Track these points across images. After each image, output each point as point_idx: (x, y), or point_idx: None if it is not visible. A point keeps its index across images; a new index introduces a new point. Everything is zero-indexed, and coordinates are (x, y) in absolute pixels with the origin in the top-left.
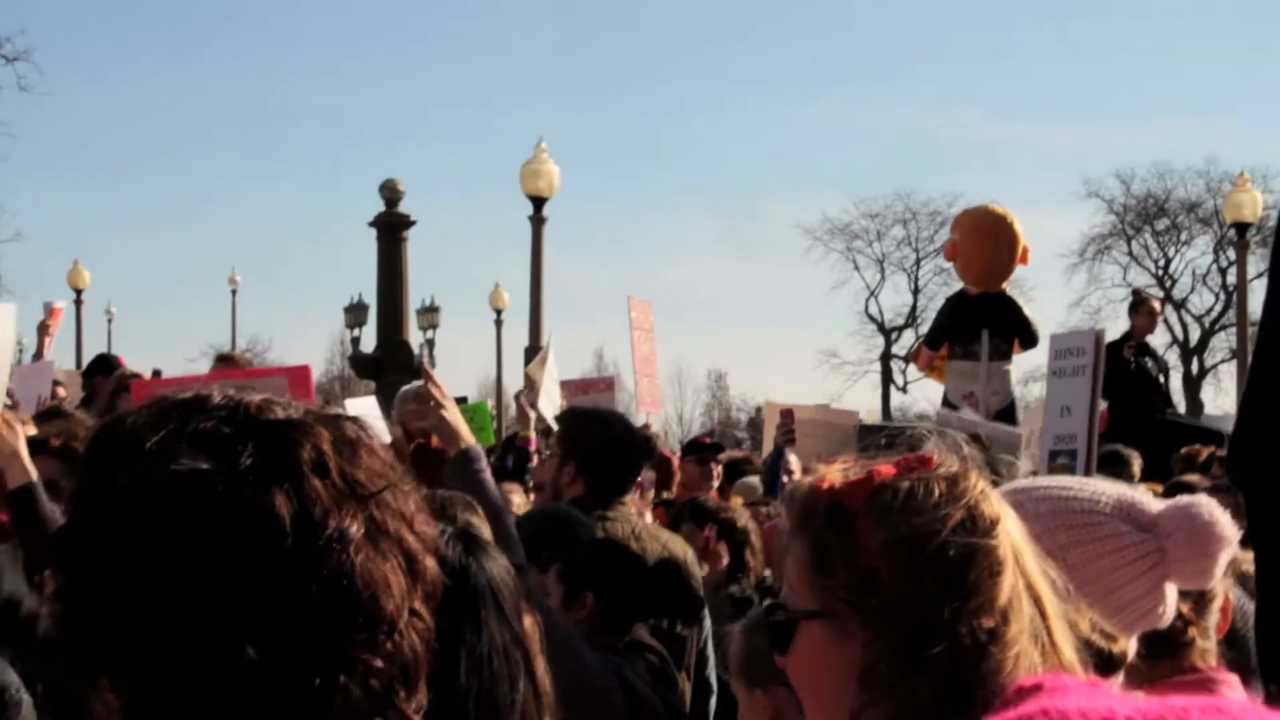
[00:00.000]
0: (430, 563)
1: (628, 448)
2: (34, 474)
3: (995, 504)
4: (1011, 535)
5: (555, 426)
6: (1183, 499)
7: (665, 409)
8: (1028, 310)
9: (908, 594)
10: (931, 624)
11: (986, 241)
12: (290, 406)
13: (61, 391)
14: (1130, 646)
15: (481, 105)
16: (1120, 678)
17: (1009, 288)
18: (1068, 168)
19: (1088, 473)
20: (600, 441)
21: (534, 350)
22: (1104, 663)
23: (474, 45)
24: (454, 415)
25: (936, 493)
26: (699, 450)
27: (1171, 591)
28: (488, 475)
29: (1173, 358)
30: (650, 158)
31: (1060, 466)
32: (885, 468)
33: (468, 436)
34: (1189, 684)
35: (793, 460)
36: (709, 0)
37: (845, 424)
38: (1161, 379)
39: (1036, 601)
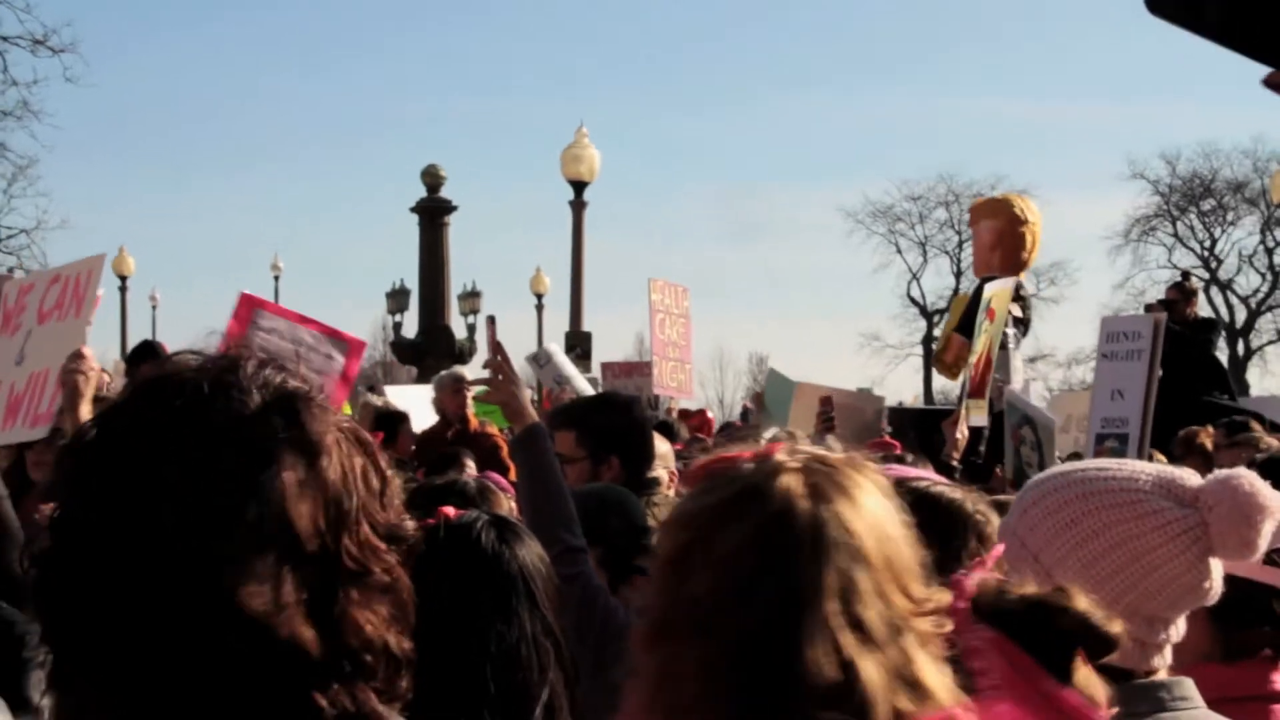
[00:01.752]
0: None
1: (631, 428)
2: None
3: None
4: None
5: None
6: (1222, 472)
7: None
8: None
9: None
10: None
11: (979, 228)
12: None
13: (107, 379)
14: (1179, 628)
15: (522, 90)
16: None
17: (1025, 276)
18: (1112, 149)
19: (1140, 457)
20: (610, 430)
21: (576, 335)
22: (1099, 644)
23: (516, 30)
24: (522, 392)
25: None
26: (727, 432)
27: (1217, 567)
28: (552, 453)
29: (1218, 339)
30: (692, 142)
31: (1108, 450)
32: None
33: (534, 414)
34: None
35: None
36: None
37: (867, 408)
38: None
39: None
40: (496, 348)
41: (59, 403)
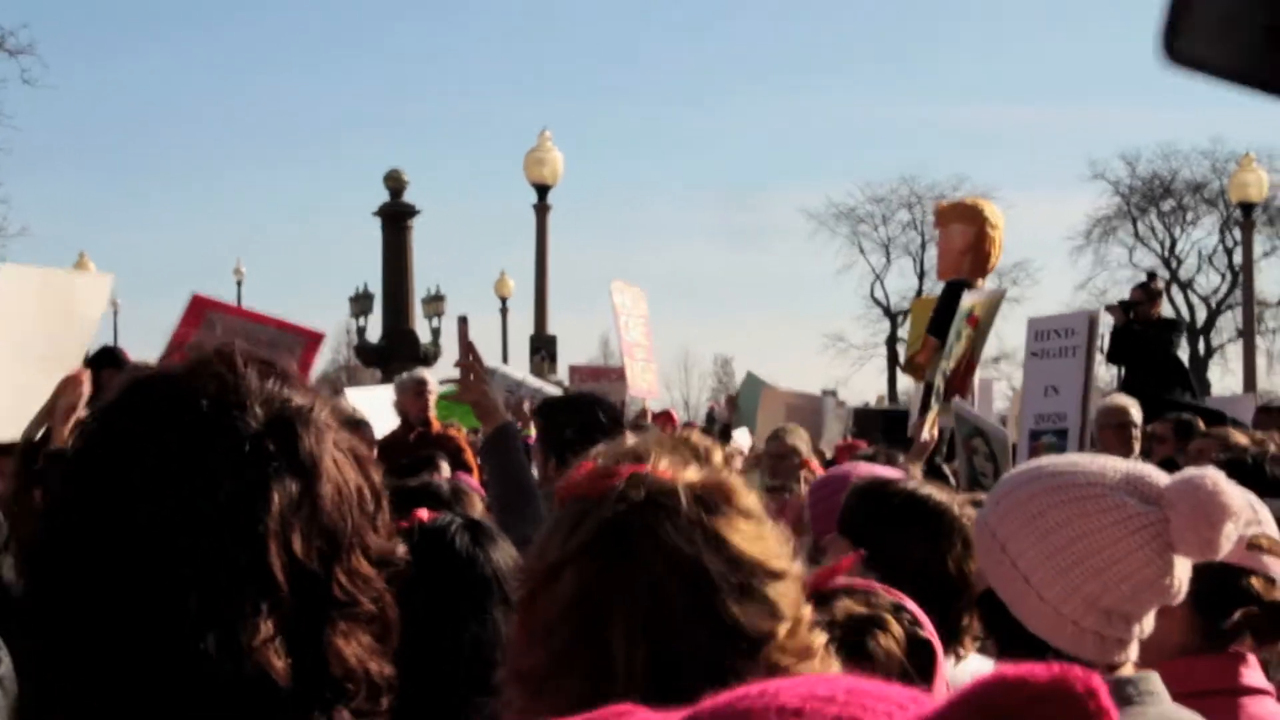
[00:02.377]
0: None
1: (598, 429)
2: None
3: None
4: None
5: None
6: (1190, 470)
7: (671, 394)
8: (965, 300)
9: None
10: None
11: (950, 232)
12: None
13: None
14: (1146, 624)
15: (485, 94)
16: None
17: (987, 280)
18: (1073, 150)
19: (1081, 450)
20: (574, 430)
21: (540, 339)
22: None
23: (478, 34)
24: (494, 392)
25: None
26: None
27: (1182, 565)
28: (521, 453)
29: (1180, 339)
30: (654, 146)
31: (1045, 445)
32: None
33: (505, 413)
34: None
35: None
36: None
37: (829, 411)
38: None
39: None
40: (468, 348)
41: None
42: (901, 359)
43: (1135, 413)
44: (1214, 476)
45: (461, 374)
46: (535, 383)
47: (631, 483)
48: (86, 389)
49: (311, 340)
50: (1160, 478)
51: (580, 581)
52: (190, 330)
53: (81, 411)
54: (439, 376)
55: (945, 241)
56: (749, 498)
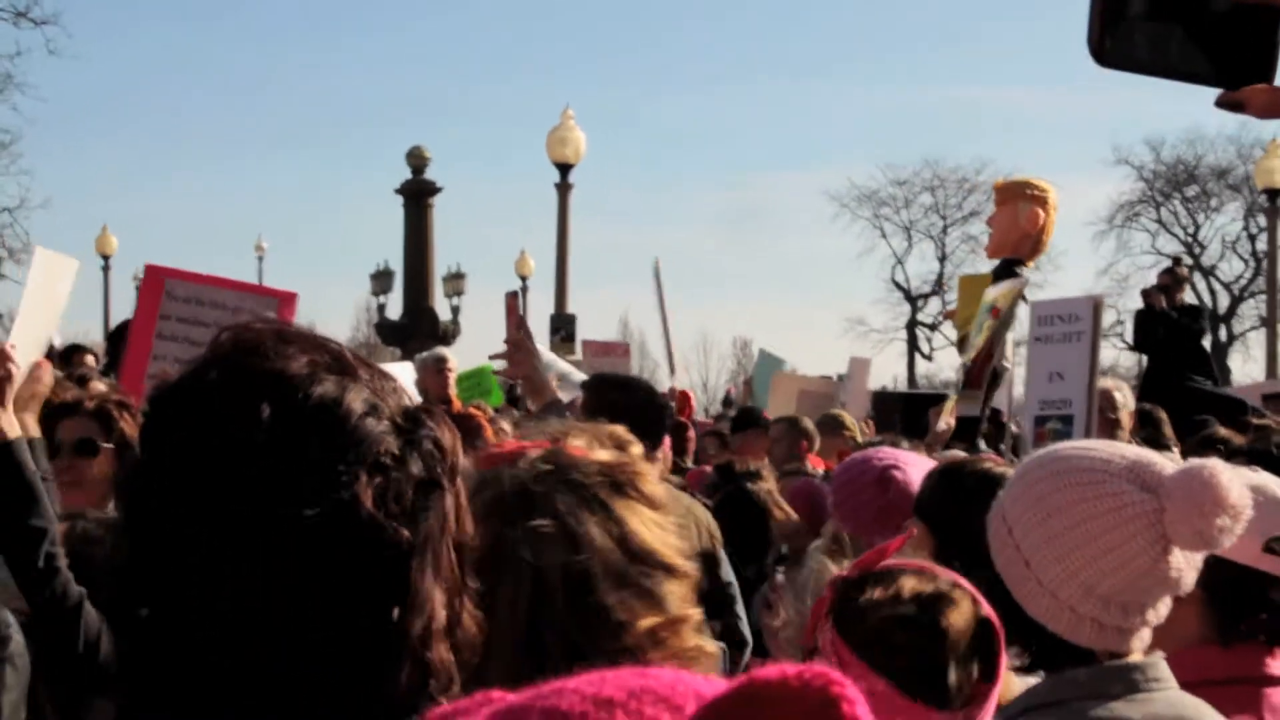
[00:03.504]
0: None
1: (651, 412)
2: (30, 430)
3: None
4: None
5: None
6: (1194, 461)
7: (690, 376)
8: (988, 294)
9: None
10: None
11: (1015, 209)
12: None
13: (90, 360)
14: (1158, 613)
15: (508, 72)
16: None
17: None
18: (1097, 134)
19: (1087, 436)
20: (624, 408)
21: (560, 318)
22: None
23: (502, 11)
24: (542, 366)
25: None
26: (755, 422)
27: (1180, 557)
28: None
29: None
30: (677, 125)
31: (1050, 432)
32: None
33: (554, 389)
34: None
35: None
36: None
37: (839, 395)
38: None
39: None
40: (519, 322)
41: None
42: (954, 335)
43: (1119, 396)
44: (1216, 468)
45: (510, 348)
46: (561, 365)
47: (544, 456)
48: (48, 379)
49: (285, 299)
50: (1166, 467)
51: (483, 542)
52: (153, 301)
53: (39, 398)
54: (456, 356)
55: (1007, 219)
56: (657, 487)
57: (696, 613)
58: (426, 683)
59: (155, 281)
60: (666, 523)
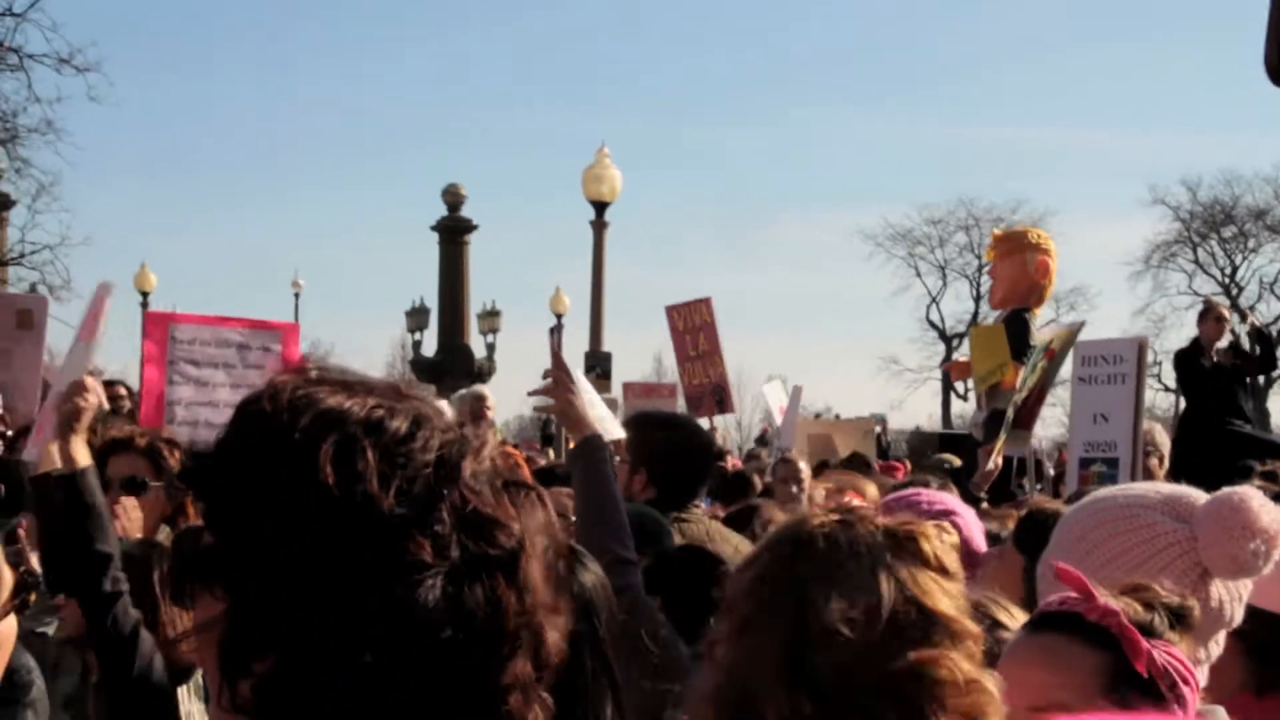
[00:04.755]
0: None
1: (696, 452)
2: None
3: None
4: None
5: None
6: (1225, 490)
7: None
8: (1044, 334)
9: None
10: None
11: (1022, 259)
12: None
13: (124, 393)
14: (1207, 652)
15: (544, 110)
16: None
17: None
18: (1133, 175)
19: (1133, 479)
20: (669, 447)
21: (595, 355)
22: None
23: (538, 49)
24: (580, 401)
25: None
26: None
27: (1220, 587)
28: (609, 465)
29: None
30: (713, 163)
31: (1095, 474)
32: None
33: (593, 424)
34: None
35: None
36: (772, 10)
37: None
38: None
39: None
40: (557, 358)
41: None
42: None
43: (1159, 438)
44: (1246, 495)
45: (551, 384)
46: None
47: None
48: (93, 399)
49: (288, 331)
50: (1201, 498)
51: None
52: (159, 349)
53: (89, 418)
54: (492, 393)
55: (1016, 269)
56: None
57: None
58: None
59: (159, 328)
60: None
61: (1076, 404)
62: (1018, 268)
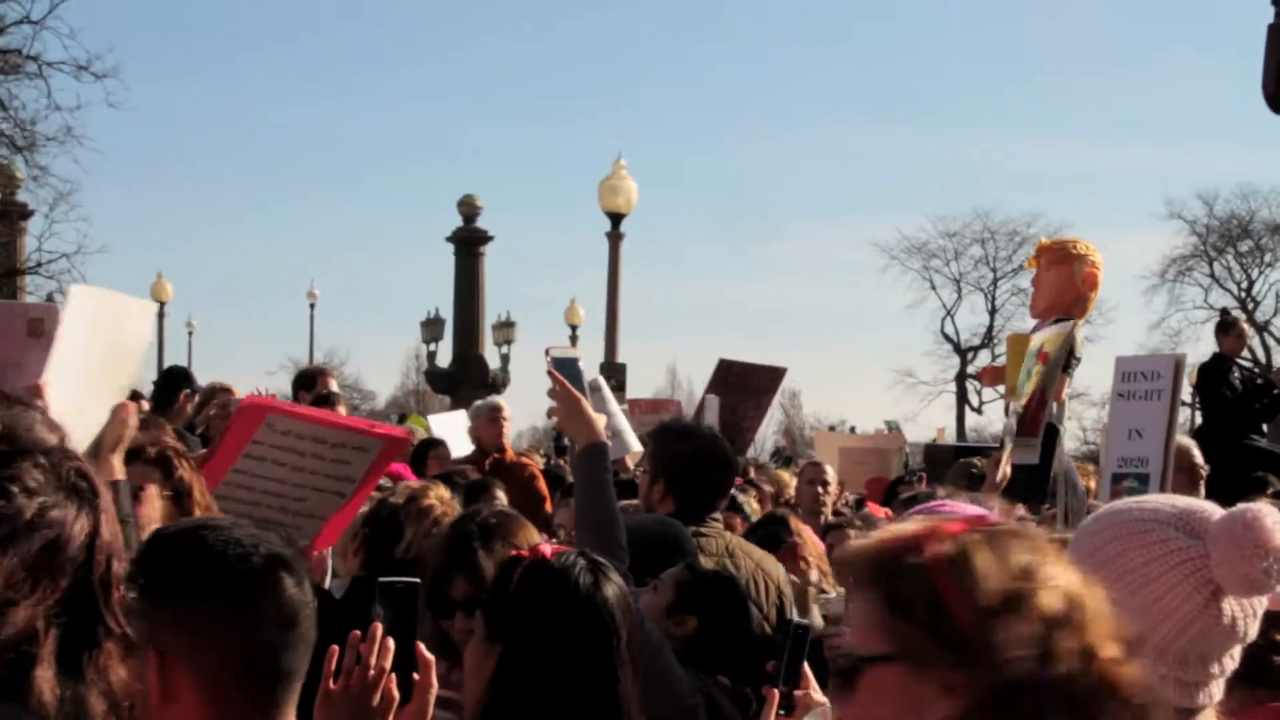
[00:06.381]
0: None
1: (716, 464)
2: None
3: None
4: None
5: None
6: (1239, 506)
7: None
8: (1035, 339)
9: (1000, 650)
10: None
11: (1070, 270)
12: None
13: (144, 405)
14: (1222, 667)
15: (559, 123)
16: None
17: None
18: (1149, 189)
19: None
20: (689, 458)
21: (610, 367)
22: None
23: (554, 63)
24: (588, 408)
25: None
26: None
27: (1233, 604)
28: (607, 473)
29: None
30: (728, 175)
31: (1126, 490)
32: (953, 525)
33: (599, 433)
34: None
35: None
36: (787, 23)
37: (889, 449)
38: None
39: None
40: (554, 376)
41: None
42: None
43: (1197, 454)
44: (1257, 510)
45: (555, 402)
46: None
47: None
48: (134, 421)
49: (390, 444)
50: (1215, 513)
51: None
52: (246, 432)
53: (127, 441)
54: (508, 404)
55: (1062, 280)
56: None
57: None
58: None
59: (254, 415)
60: None
61: (1114, 419)
62: (1064, 278)
